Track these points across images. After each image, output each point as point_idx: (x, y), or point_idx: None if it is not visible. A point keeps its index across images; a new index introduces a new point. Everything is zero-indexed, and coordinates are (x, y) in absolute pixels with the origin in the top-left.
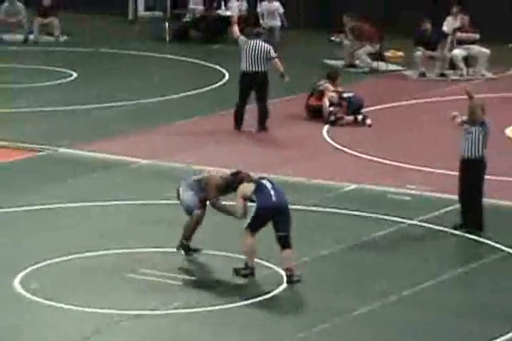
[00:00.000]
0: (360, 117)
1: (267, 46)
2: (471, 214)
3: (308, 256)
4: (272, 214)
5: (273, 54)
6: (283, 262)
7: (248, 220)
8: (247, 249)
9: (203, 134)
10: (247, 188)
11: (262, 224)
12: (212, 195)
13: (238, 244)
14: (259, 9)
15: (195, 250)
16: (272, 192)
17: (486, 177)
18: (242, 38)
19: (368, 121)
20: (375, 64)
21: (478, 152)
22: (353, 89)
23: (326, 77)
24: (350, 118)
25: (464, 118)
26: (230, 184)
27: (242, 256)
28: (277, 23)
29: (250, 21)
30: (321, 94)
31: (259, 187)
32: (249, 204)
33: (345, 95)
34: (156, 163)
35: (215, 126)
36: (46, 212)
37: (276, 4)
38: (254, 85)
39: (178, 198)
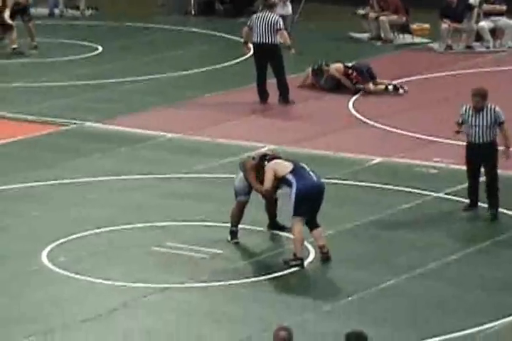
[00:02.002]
0: (390, 87)
1: (275, 17)
2: (491, 190)
3: (332, 230)
4: (314, 195)
5: (280, 25)
6: (316, 240)
7: (291, 207)
8: (295, 238)
9: (230, 108)
10: (281, 165)
11: (308, 206)
12: (250, 180)
13: (264, 218)
14: None
15: (234, 240)
16: (312, 173)
17: None
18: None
19: (401, 90)
20: (400, 36)
21: (488, 136)
22: (378, 61)
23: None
24: (371, 85)
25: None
26: (261, 165)
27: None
28: (289, 10)
29: None
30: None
31: (296, 168)
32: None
33: (349, 64)
34: (182, 137)
35: (242, 100)
36: (73, 186)
37: None
38: (266, 57)
39: None
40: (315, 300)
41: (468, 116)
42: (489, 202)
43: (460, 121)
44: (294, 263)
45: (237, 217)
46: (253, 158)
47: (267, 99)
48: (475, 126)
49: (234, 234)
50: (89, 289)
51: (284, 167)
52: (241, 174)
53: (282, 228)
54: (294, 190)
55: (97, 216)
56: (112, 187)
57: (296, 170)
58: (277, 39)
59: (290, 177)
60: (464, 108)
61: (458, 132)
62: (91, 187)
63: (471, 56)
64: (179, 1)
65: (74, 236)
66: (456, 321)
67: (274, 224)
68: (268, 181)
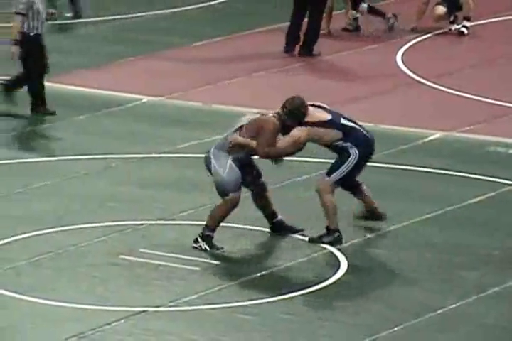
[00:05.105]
0: (457, 27)
1: None
2: None
3: (377, 231)
4: (371, 155)
5: None
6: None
7: (337, 174)
8: (327, 205)
9: (233, 61)
10: (326, 131)
11: (356, 173)
12: (267, 142)
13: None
14: None
15: (219, 248)
16: (361, 128)
17: None
18: None
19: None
20: None
21: None
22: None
23: None
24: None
25: None
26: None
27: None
28: None
29: None
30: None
31: (346, 131)
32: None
33: None
34: (162, 102)
35: (246, 51)
36: (10, 169)
37: None
38: None
39: (209, 171)
40: (347, 331)
41: None
42: None
43: None
44: (328, 239)
45: (223, 219)
46: (274, 115)
47: (294, 46)
48: None
49: (210, 241)
50: (31, 314)
51: (333, 134)
52: (229, 161)
53: (291, 229)
54: (355, 155)
55: (47, 211)
56: (67, 172)
57: (346, 133)
58: None
59: (345, 144)
60: None
61: None
62: (36, 171)
63: None
64: None
65: (10, 240)
66: None
67: (278, 226)
68: (289, 144)
